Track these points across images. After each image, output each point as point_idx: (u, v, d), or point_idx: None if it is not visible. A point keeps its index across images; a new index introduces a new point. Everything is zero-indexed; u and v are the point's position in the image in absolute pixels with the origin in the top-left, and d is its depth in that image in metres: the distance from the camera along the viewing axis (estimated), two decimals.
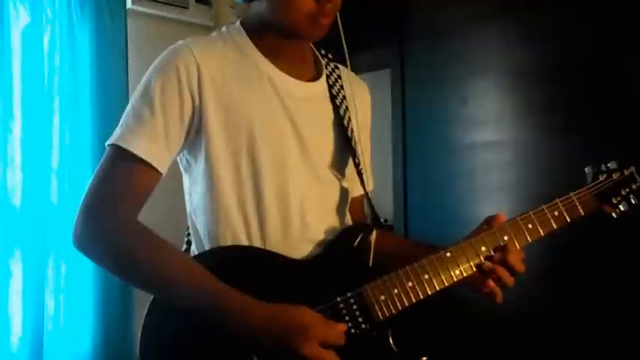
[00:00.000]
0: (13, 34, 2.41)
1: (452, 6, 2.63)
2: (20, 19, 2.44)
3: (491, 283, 1.16)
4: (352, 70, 1.34)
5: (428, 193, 2.74)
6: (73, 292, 2.55)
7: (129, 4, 2.78)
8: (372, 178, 1.36)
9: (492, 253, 1.16)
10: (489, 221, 1.20)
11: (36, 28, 2.47)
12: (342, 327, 1.06)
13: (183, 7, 3.00)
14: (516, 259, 1.16)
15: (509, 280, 1.15)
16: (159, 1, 2.91)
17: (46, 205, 2.46)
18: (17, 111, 2.41)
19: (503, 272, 1.15)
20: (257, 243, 1.14)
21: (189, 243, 1.23)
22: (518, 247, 1.17)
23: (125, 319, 2.64)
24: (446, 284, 1.14)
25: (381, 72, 2.93)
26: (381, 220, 1.25)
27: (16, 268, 2.37)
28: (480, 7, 2.53)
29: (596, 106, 2.18)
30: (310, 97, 1.21)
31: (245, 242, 1.14)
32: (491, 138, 2.50)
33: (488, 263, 1.15)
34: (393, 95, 2.87)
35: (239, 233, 1.14)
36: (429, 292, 1.13)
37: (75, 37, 2.60)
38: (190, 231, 1.21)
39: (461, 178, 2.60)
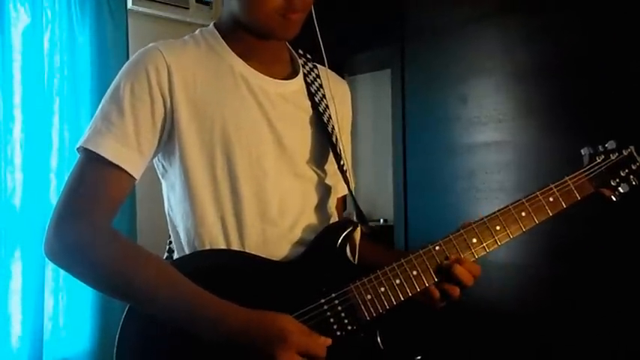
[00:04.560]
0: (13, 35, 2.41)
1: (452, 6, 2.62)
2: (20, 19, 2.44)
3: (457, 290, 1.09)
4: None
5: (428, 193, 2.73)
6: (72, 291, 2.55)
7: (129, 4, 2.79)
8: (354, 177, 1.31)
9: (485, 244, 1.10)
10: (465, 226, 1.13)
11: (36, 28, 2.46)
12: (326, 341, 1.01)
13: (184, 8, 3.01)
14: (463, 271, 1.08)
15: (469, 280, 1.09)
16: (159, 1, 2.91)
17: (46, 206, 2.46)
18: (17, 112, 2.41)
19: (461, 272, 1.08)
20: (235, 245, 1.10)
21: (170, 251, 1.19)
22: (511, 236, 1.11)
23: None
24: (436, 280, 1.08)
25: (381, 72, 2.92)
26: (370, 220, 1.20)
27: (16, 268, 2.38)
28: (480, 7, 2.52)
29: (596, 106, 2.17)
30: (286, 95, 1.17)
31: (223, 245, 1.10)
32: (491, 138, 2.50)
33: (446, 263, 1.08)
34: (393, 95, 2.87)
35: (217, 236, 1.10)
36: (418, 290, 1.08)
37: (75, 37, 2.61)
38: (172, 238, 1.17)
39: (461, 179, 2.59)
